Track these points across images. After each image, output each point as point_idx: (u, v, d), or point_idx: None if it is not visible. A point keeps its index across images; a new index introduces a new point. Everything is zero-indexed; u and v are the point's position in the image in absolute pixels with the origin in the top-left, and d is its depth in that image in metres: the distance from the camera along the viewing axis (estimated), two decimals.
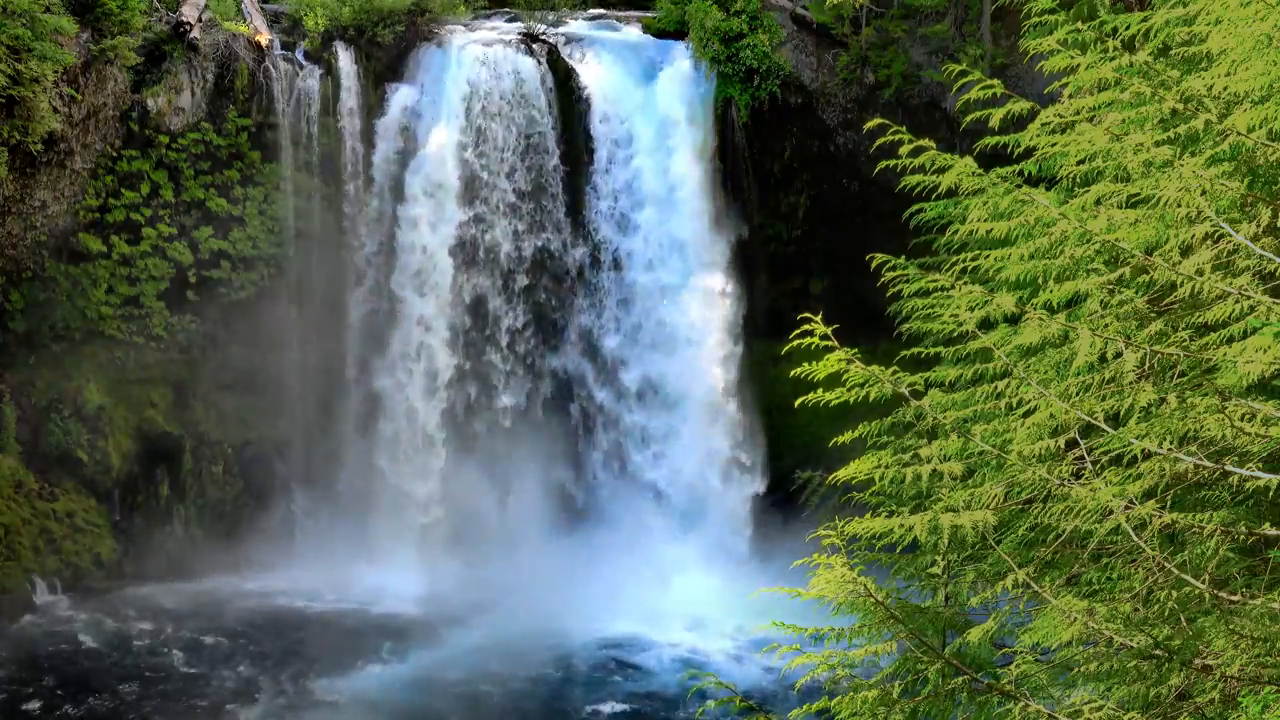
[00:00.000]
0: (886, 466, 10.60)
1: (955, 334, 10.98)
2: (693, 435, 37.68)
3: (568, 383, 38.56)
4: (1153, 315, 10.34)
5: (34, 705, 29.32)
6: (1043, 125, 11.50)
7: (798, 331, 9.97)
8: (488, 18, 39.86)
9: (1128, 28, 11.42)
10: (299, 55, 36.47)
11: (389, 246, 37.23)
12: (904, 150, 11.24)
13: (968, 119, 12.63)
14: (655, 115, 37.13)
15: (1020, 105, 11.66)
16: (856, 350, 10.05)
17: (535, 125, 37.15)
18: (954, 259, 11.63)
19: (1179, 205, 9.51)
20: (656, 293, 37.77)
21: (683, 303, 37.66)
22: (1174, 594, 9.37)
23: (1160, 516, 9.17)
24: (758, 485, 37.87)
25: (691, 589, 34.12)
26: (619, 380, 38.21)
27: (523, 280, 37.97)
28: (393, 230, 37.11)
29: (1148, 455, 9.35)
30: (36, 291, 34.40)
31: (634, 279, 37.86)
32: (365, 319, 37.57)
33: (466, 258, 37.54)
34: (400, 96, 36.72)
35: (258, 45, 35.58)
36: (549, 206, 37.88)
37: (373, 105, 36.53)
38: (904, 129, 11.40)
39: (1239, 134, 9.39)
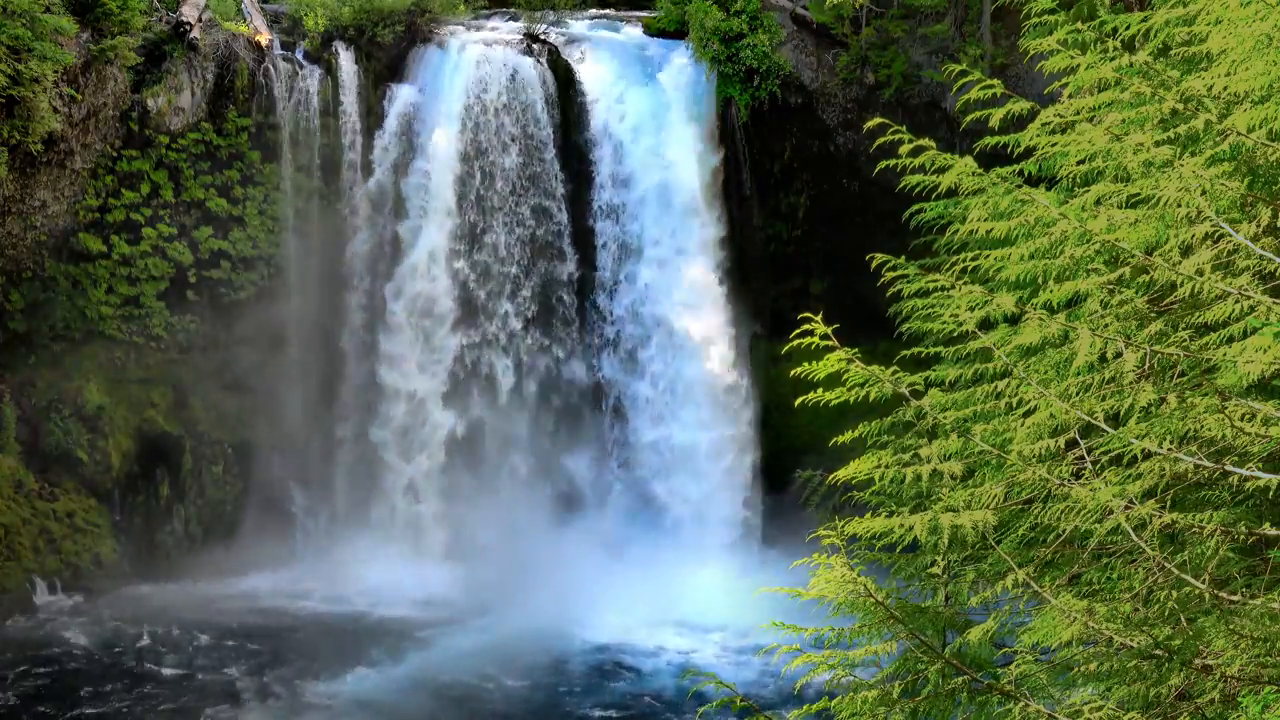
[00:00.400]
0: (886, 466, 10.59)
1: (955, 334, 10.98)
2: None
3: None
4: (1153, 315, 10.34)
5: (33, 705, 29.30)
6: (1043, 125, 11.50)
7: (798, 331, 9.96)
8: (487, 18, 39.80)
9: (1128, 28, 11.42)
10: (299, 55, 36.45)
11: (371, 381, 36.13)
12: (904, 150, 11.24)
13: (968, 119, 12.63)
14: (672, 212, 35.81)
15: (1020, 105, 11.65)
16: (856, 350, 10.05)
17: (550, 224, 35.95)
18: (954, 259, 11.62)
19: (1179, 205, 9.51)
20: (666, 451, 36.08)
21: (695, 465, 35.75)
22: (1174, 594, 9.37)
23: (1160, 516, 9.17)
24: None
25: (690, 589, 34.00)
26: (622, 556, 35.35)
27: (524, 420, 36.28)
28: (373, 368, 35.84)
29: (1148, 455, 9.34)
30: (36, 291, 34.39)
31: (639, 433, 36.31)
32: (349, 472, 36.53)
33: (463, 392, 35.94)
34: (395, 114, 35.98)
35: (258, 45, 35.58)
36: (561, 333, 36.18)
37: (372, 105, 36.49)
38: (904, 129, 11.39)
39: (1239, 134, 9.39)
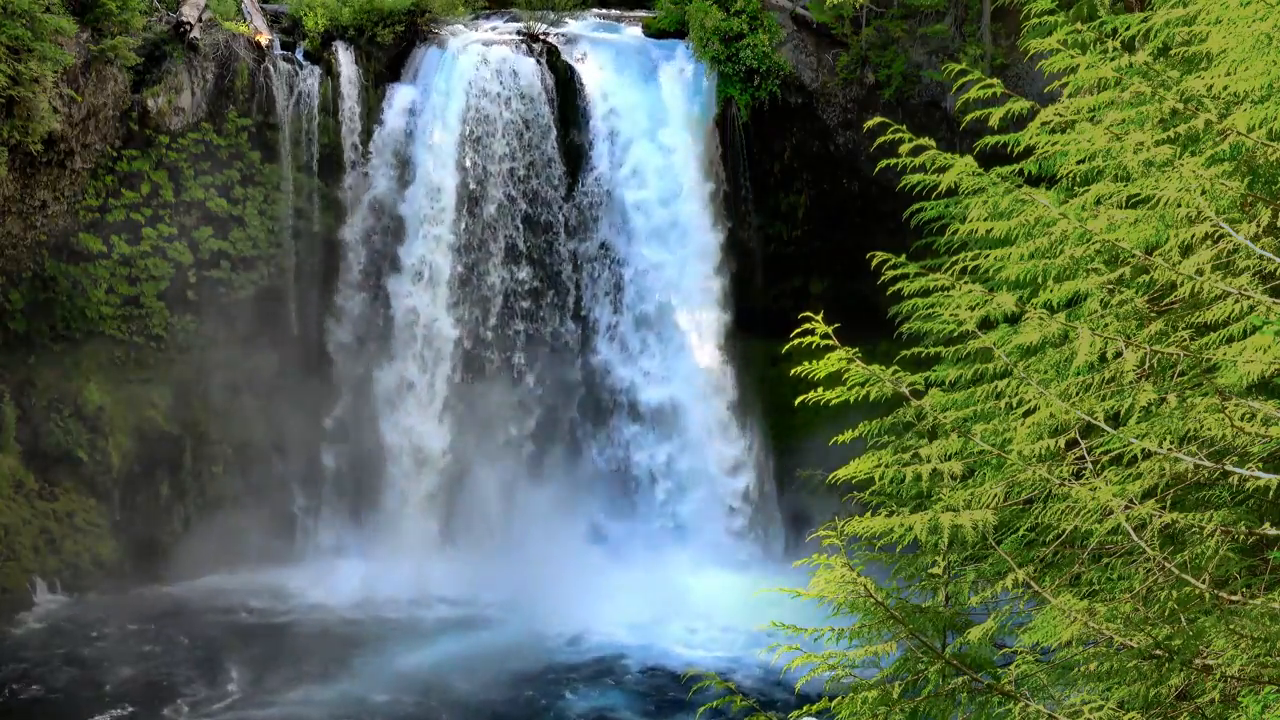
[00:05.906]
0: (887, 466, 10.59)
1: (955, 334, 10.98)
2: None
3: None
4: (1153, 315, 10.34)
5: (32, 706, 29.30)
6: (1043, 125, 11.50)
7: (798, 330, 9.96)
8: (487, 18, 39.79)
9: (1128, 28, 11.44)
10: (299, 55, 36.44)
11: (371, 382, 36.17)
12: (904, 149, 11.24)
13: (968, 118, 12.63)
14: (671, 212, 35.76)
15: (1020, 104, 11.65)
16: (856, 350, 10.04)
17: (549, 224, 35.99)
18: (954, 258, 11.62)
19: (1179, 205, 9.51)
20: (665, 449, 36.01)
21: (694, 464, 35.65)
22: (1174, 594, 9.37)
23: (1160, 516, 9.16)
24: None
25: (690, 588, 33.99)
26: None
27: (521, 429, 36.38)
28: (373, 369, 35.90)
29: (1148, 455, 9.34)
30: (36, 291, 34.37)
31: (636, 431, 36.17)
32: (349, 472, 36.72)
33: (463, 391, 36.03)
34: (395, 114, 35.95)
35: (258, 45, 35.57)
36: (559, 330, 36.12)
37: (372, 105, 36.46)
38: (904, 128, 11.39)
39: (1239, 134, 9.38)
